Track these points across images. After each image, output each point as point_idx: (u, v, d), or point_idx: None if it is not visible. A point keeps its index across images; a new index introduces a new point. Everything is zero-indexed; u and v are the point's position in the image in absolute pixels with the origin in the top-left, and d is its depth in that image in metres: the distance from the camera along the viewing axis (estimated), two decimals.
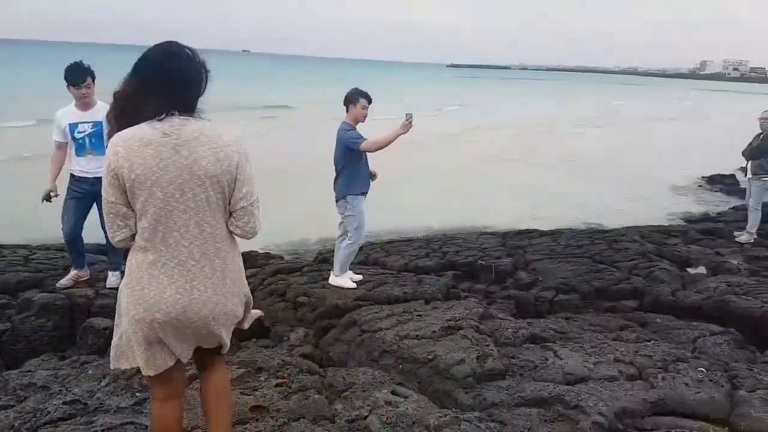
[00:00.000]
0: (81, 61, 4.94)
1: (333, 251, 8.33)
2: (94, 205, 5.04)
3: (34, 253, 6.62)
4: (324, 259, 7.99)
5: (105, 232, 5.31)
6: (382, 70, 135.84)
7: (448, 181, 14.53)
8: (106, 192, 2.07)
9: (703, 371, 3.86)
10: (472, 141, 22.76)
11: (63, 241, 5.34)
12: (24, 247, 7.01)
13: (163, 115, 2.05)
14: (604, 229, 9.32)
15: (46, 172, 5.08)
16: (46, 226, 6.81)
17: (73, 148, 4.96)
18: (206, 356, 2.37)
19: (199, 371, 2.48)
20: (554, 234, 8.85)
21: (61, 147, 5.01)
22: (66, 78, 4.87)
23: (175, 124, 2.05)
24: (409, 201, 11.70)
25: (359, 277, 5.92)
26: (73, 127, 4.92)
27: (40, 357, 4.26)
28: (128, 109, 2.07)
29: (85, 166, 4.98)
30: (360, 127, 5.36)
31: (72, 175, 5.03)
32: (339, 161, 5.38)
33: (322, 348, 4.73)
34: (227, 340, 2.31)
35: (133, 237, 2.13)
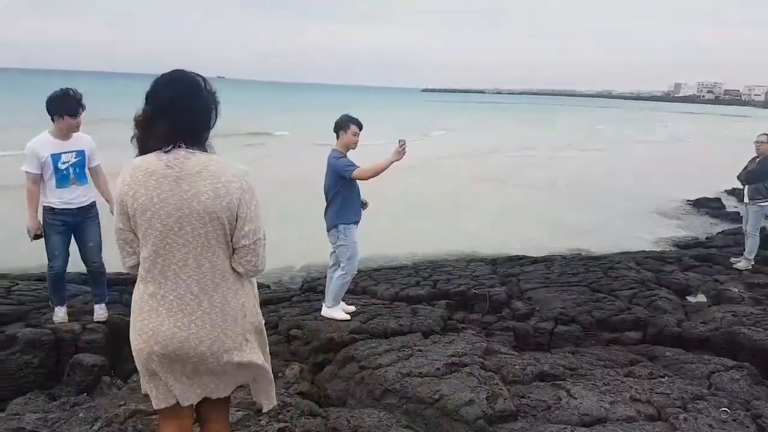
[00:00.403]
0: (71, 89, 4.74)
1: (318, 279, 8.20)
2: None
3: (16, 284, 6.45)
4: (311, 288, 7.82)
5: (85, 263, 5.12)
6: (359, 95, 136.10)
7: (434, 206, 14.48)
8: (116, 218, 2.14)
9: (727, 411, 3.74)
10: (460, 166, 22.76)
11: (44, 273, 5.13)
12: (4, 276, 6.86)
13: (171, 147, 2.04)
14: (597, 256, 9.28)
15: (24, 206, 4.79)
16: (26, 254, 6.68)
17: (54, 180, 4.73)
18: (208, 408, 2.27)
19: (200, 425, 2.34)
20: (546, 261, 8.78)
21: (37, 180, 4.72)
22: (59, 108, 4.66)
23: (180, 156, 2.03)
24: (394, 227, 11.55)
25: (352, 308, 5.77)
26: (56, 157, 4.71)
27: (26, 396, 4.23)
28: (142, 136, 2.09)
29: (68, 197, 4.81)
30: (350, 154, 5.28)
31: (51, 209, 4.78)
32: (330, 189, 5.26)
33: (319, 384, 4.57)
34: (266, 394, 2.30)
35: None
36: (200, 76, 2.12)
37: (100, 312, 5.24)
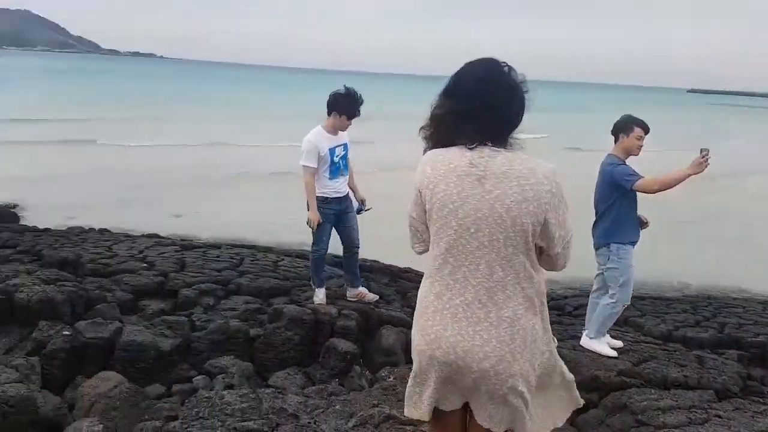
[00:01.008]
0: (357, 92, 5.32)
1: (566, 298, 7.64)
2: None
3: (282, 260, 7.37)
4: (557, 306, 7.31)
5: (348, 247, 5.45)
6: (615, 94, 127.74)
7: (721, 230, 12.79)
8: (410, 207, 2.17)
9: None
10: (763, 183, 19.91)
11: (303, 251, 5.95)
12: (271, 250, 7.89)
13: (475, 144, 2.01)
14: None
15: (303, 197, 5.45)
16: (287, 232, 7.69)
17: (328, 172, 5.39)
18: None
19: None
20: None
21: (314, 173, 5.35)
22: (343, 107, 5.27)
23: (485, 155, 2.00)
24: (665, 248, 10.27)
25: (619, 343, 5.21)
26: (332, 151, 5.37)
27: (285, 370, 4.81)
28: (440, 133, 2.08)
29: (339, 186, 5.50)
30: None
31: (325, 198, 5.44)
32: (602, 201, 4.82)
33: (581, 427, 4.23)
34: (525, 419, 2.04)
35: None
36: (506, 64, 2.03)
37: (370, 296, 5.90)
